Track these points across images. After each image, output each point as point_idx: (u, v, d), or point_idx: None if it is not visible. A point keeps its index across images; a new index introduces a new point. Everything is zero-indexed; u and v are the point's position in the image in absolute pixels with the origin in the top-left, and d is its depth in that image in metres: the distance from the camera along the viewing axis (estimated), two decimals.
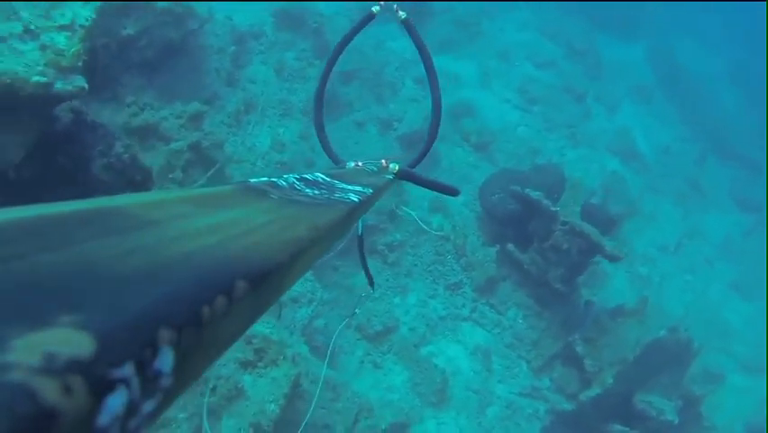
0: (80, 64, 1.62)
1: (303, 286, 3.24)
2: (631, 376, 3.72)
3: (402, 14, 1.55)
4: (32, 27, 1.59)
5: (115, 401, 0.24)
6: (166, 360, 0.28)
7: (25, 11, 1.59)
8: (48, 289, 0.27)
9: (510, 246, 4.00)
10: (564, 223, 3.59)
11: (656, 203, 6.21)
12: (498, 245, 4.12)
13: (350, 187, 0.83)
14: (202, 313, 0.32)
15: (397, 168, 1.28)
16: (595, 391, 3.59)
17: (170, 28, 3.07)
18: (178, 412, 2.17)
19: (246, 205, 0.54)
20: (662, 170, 6.63)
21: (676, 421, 3.73)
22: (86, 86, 1.68)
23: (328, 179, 0.82)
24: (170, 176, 2.95)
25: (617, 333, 3.83)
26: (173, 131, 3.01)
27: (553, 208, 3.59)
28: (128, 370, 0.25)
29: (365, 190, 0.84)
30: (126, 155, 2.12)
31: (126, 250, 0.34)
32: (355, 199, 0.76)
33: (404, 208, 4.08)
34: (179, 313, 0.30)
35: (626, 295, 4.87)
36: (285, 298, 3.18)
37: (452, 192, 1.46)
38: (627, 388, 3.75)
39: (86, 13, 1.70)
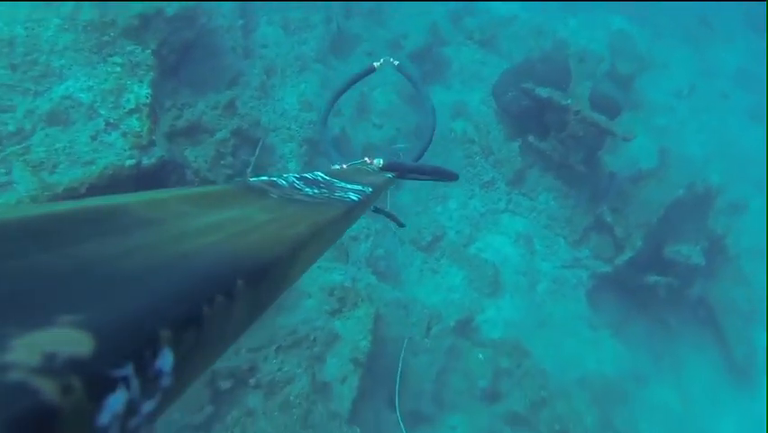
0: (153, 137, 2.02)
1: (359, 225, 3.77)
2: (658, 234, 4.24)
3: (396, 62, 1.73)
4: (111, 120, 1.97)
5: (115, 401, 0.25)
6: (166, 360, 0.29)
7: (102, 108, 1.97)
8: (48, 288, 0.28)
9: (531, 138, 4.39)
10: (576, 113, 3.95)
11: (667, 50, 6.35)
12: (519, 139, 4.52)
13: (350, 186, 0.87)
14: (202, 312, 0.32)
15: (381, 163, 1.28)
16: (627, 254, 4.13)
17: (185, 30, 3.37)
18: (295, 368, 2.81)
19: (246, 204, 0.55)
20: (668, 12, 6.67)
21: (703, 263, 4.29)
22: (165, 154, 2.10)
23: (328, 178, 0.86)
24: (222, 162, 3.40)
25: (640, 197, 4.29)
26: (214, 122, 3.39)
27: (564, 102, 3.93)
28: (128, 369, 0.26)
29: (365, 189, 0.88)
30: (197, 179, 2.58)
31: (126, 249, 0.34)
32: (355, 198, 0.79)
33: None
34: (179, 313, 0.31)
35: (647, 150, 5.26)
36: (346, 238, 3.71)
37: (452, 177, 1.52)
38: (656, 243, 4.29)
39: (144, 92, 2.06)
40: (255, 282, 0.40)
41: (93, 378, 0.24)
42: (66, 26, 2.07)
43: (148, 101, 2.05)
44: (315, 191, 0.74)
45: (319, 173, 0.86)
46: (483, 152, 4.56)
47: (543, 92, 3.93)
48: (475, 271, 4.24)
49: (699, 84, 6.19)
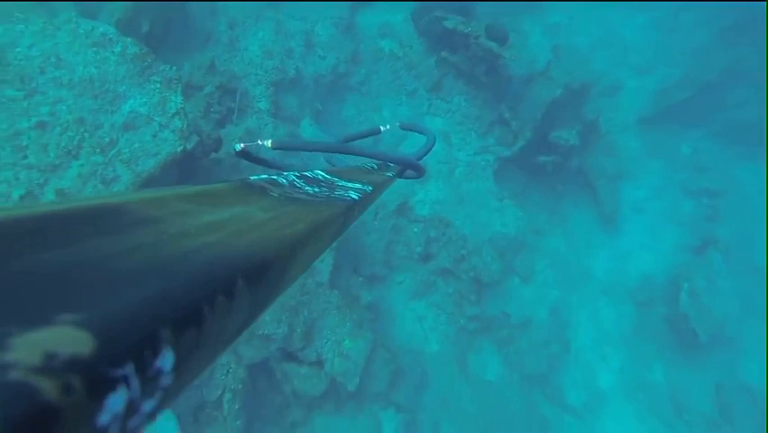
0: (192, 131, 3.24)
1: None
2: (544, 125, 5.70)
3: (398, 124, 1.81)
4: (162, 123, 3.15)
5: (116, 400, 0.26)
6: (166, 359, 0.30)
7: (155, 115, 3.14)
8: (47, 287, 0.28)
9: (444, 53, 5.65)
10: (476, 38, 5.22)
11: None
12: (435, 54, 5.76)
13: (350, 184, 0.89)
14: (202, 312, 0.34)
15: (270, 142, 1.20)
16: (521, 143, 5.61)
17: (169, 10, 4.41)
18: None
19: (246, 202, 0.57)
20: None
21: (578, 143, 5.81)
22: (199, 137, 3.34)
23: (328, 177, 0.88)
24: (212, 110, 4.60)
25: (530, 97, 5.70)
26: (200, 80, 4.55)
27: (466, 30, 5.17)
28: (128, 369, 0.27)
29: (365, 188, 0.90)
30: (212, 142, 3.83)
31: (126, 248, 0.36)
32: (355, 197, 0.81)
33: None
34: (180, 312, 0.32)
35: (543, 47, 6.53)
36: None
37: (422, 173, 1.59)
38: (543, 132, 5.76)
39: (179, 99, 3.21)
40: (255, 281, 0.41)
41: (93, 377, 0.24)
42: (120, 61, 3.16)
43: (182, 105, 3.21)
44: (316, 190, 0.75)
45: (319, 172, 0.89)
46: (407, 66, 5.81)
47: (449, 23, 5.15)
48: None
49: None
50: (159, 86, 3.22)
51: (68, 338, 0.25)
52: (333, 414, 4.26)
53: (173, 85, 3.26)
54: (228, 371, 3.86)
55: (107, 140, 3.03)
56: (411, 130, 1.83)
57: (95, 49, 3.16)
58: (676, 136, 6.70)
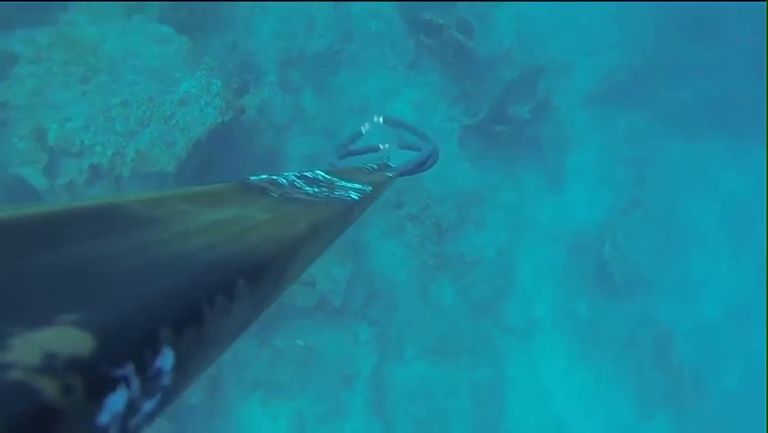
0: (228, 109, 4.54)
1: None
2: (502, 100, 7.03)
3: (380, 119, 1.93)
4: (207, 100, 4.43)
5: (116, 401, 0.26)
6: (166, 359, 0.30)
7: (202, 95, 4.41)
8: (47, 287, 0.29)
9: (422, 37, 6.93)
10: (448, 27, 6.51)
11: None
12: (414, 38, 7.03)
13: (350, 185, 0.92)
14: (202, 312, 0.34)
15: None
16: (482, 114, 6.96)
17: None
18: None
19: (246, 202, 0.59)
20: None
21: (530, 117, 7.16)
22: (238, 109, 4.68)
23: (328, 177, 0.92)
24: (233, 81, 5.86)
25: (492, 76, 7.02)
26: (224, 57, 5.80)
27: (440, 22, 6.45)
28: (128, 369, 0.27)
29: (365, 188, 0.94)
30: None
31: (126, 248, 0.37)
32: (355, 197, 0.84)
33: None
34: (180, 312, 0.32)
35: (507, 32, 7.75)
36: None
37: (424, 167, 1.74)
38: (501, 106, 7.09)
39: (219, 83, 4.48)
40: (255, 282, 0.42)
41: (93, 377, 0.25)
42: (177, 54, 4.39)
43: (221, 88, 4.47)
44: (316, 190, 0.79)
45: (319, 172, 0.91)
46: (390, 45, 7.07)
47: (426, 15, 6.42)
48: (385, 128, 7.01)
49: None
50: (204, 73, 4.49)
51: (67, 338, 0.25)
52: (321, 323, 5.71)
53: (214, 72, 4.54)
54: None
55: (168, 113, 4.32)
56: (396, 126, 1.94)
57: (159, 45, 4.43)
58: (616, 113, 8.09)
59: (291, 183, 0.77)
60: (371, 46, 6.98)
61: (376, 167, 1.39)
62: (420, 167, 1.73)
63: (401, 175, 1.54)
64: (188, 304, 0.34)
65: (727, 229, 8.53)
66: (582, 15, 8.28)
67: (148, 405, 0.29)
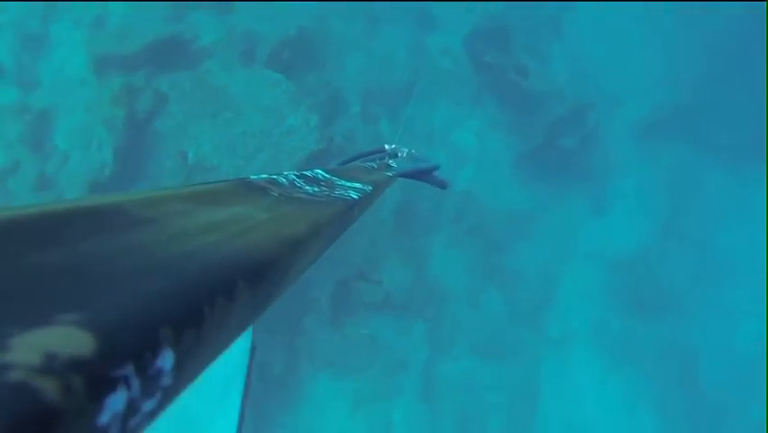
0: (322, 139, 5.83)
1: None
2: (554, 131, 8.13)
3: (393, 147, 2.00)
4: (307, 132, 5.74)
5: (116, 401, 0.27)
6: (166, 359, 0.31)
7: (303, 128, 5.71)
8: (48, 288, 0.29)
9: (484, 75, 8.10)
10: (506, 69, 7.67)
11: None
12: (478, 75, 8.21)
13: (350, 184, 0.95)
14: (202, 313, 0.35)
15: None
16: (534, 142, 8.09)
17: (300, 42, 6.98)
18: None
19: (246, 202, 0.60)
20: None
21: (578, 146, 8.22)
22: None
23: (328, 177, 0.95)
24: (323, 110, 7.19)
25: (546, 110, 8.13)
26: (318, 90, 7.12)
27: (500, 63, 7.62)
28: (128, 369, 0.28)
29: (365, 188, 0.96)
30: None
31: (126, 248, 0.37)
32: (355, 197, 0.86)
33: None
34: (180, 312, 0.33)
35: (561, 69, 8.83)
36: None
37: (443, 186, 1.85)
38: (552, 136, 8.19)
39: (314, 119, 5.76)
40: (255, 282, 0.43)
41: (94, 378, 0.25)
42: (284, 95, 5.72)
43: (317, 122, 5.75)
44: (316, 189, 0.80)
45: (319, 171, 0.93)
46: (457, 80, 8.26)
47: (488, 58, 7.60)
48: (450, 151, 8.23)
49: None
50: (304, 110, 5.81)
51: (68, 339, 0.26)
52: (384, 317, 6.97)
53: (312, 109, 5.85)
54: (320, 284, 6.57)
55: (277, 141, 5.66)
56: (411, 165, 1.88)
57: (272, 88, 5.78)
58: (660, 146, 9.07)
59: (291, 182, 0.78)
60: (441, 81, 8.20)
61: (376, 166, 1.41)
62: (420, 174, 1.75)
63: (401, 176, 1.55)
64: (188, 304, 0.35)
65: (763, 260, 9.37)
66: (632, 54, 9.30)
67: (148, 405, 0.30)
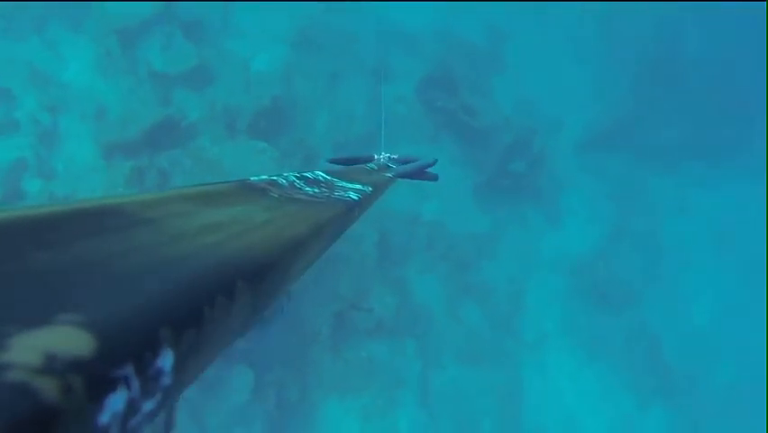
0: None
1: None
2: (505, 158, 9.40)
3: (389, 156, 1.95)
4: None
5: (116, 401, 0.27)
6: (166, 359, 0.32)
7: None
8: (48, 288, 0.30)
9: (437, 118, 9.36)
10: (456, 111, 8.95)
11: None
12: (432, 117, 9.48)
13: (350, 185, 0.97)
14: (202, 313, 0.36)
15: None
16: (488, 172, 9.35)
17: (273, 112, 8.19)
18: None
19: (246, 203, 0.62)
20: None
21: (527, 170, 9.50)
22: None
23: (328, 178, 0.98)
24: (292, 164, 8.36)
25: (496, 141, 9.41)
26: (293, 150, 8.31)
27: (450, 106, 8.90)
28: (128, 369, 0.28)
29: (365, 188, 0.98)
30: None
31: (126, 249, 0.38)
32: (355, 198, 0.89)
33: None
34: (180, 313, 0.34)
35: (505, 101, 10.15)
36: None
37: (435, 179, 1.94)
38: (504, 164, 9.45)
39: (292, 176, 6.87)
40: (255, 282, 0.44)
41: (93, 378, 0.26)
42: (269, 160, 6.89)
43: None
44: (316, 190, 0.83)
45: (319, 172, 0.97)
46: (413, 124, 9.51)
47: (440, 102, 8.88)
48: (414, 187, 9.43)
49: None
50: (288, 171, 6.94)
51: (68, 339, 0.26)
52: (379, 340, 8.06)
53: (294, 170, 7.01)
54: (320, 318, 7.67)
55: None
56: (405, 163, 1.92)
57: (258, 155, 6.93)
58: (602, 157, 10.43)
59: (291, 184, 0.82)
60: (399, 125, 9.44)
61: (376, 168, 1.44)
62: (419, 172, 1.79)
63: (400, 177, 1.57)
64: (189, 305, 0.35)
65: (708, 246, 10.74)
66: (566, 76, 10.69)
67: (148, 405, 0.31)
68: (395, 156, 2.04)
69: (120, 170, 6.76)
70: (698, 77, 10.96)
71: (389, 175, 1.51)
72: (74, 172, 7.01)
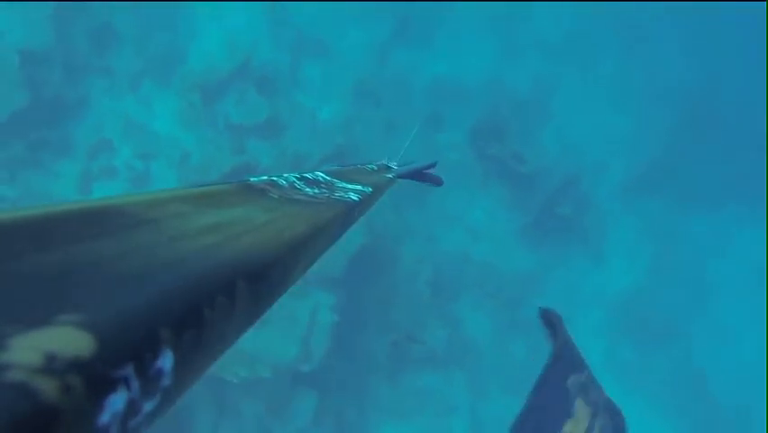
0: None
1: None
2: (551, 201, 10.09)
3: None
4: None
5: (116, 401, 0.27)
6: (166, 360, 0.32)
7: None
8: (48, 288, 0.30)
9: (488, 164, 10.14)
10: (505, 159, 9.71)
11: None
12: (482, 162, 10.26)
13: (350, 186, 0.98)
14: (202, 313, 0.36)
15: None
16: (533, 214, 10.04)
17: None
18: None
19: (246, 204, 0.62)
20: None
21: (573, 212, 10.16)
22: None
23: (328, 178, 0.98)
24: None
25: (543, 184, 10.13)
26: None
27: (500, 154, 9.68)
28: (128, 370, 0.28)
29: (365, 189, 0.98)
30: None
31: (126, 249, 0.38)
32: (355, 198, 0.89)
33: None
34: (180, 313, 0.34)
35: (552, 147, 10.88)
36: None
37: (439, 183, 1.94)
38: (551, 206, 10.14)
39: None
40: (255, 283, 0.44)
41: (93, 378, 0.26)
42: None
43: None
44: (316, 191, 0.83)
45: (320, 173, 0.98)
46: (464, 170, 10.28)
47: (490, 150, 9.66)
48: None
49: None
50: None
51: (68, 339, 0.26)
52: (431, 370, 8.75)
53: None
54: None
55: None
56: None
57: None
58: (644, 198, 11.03)
59: (291, 184, 0.82)
60: (451, 172, 10.22)
61: (376, 168, 1.48)
62: (420, 174, 1.80)
63: (401, 177, 1.61)
64: (189, 305, 0.36)
65: (752, 284, 11.17)
66: (608, 123, 11.37)
67: (148, 405, 0.31)
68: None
69: None
70: (735, 119, 11.54)
71: (390, 176, 1.51)
72: None
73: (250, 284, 0.44)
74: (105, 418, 0.27)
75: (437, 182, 2.02)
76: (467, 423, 8.75)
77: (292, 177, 0.88)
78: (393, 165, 1.76)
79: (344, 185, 0.99)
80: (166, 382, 0.32)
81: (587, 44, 11.39)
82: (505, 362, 9.32)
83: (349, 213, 0.83)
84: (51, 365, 0.25)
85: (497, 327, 9.39)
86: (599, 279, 10.44)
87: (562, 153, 10.58)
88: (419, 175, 1.88)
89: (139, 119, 8.60)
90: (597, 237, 10.54)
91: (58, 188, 7.98)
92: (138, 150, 8.40)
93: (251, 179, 0.76)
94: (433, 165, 1.98)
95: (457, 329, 8.99)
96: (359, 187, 1.01)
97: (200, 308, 0.36)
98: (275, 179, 0.82)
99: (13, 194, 7.76)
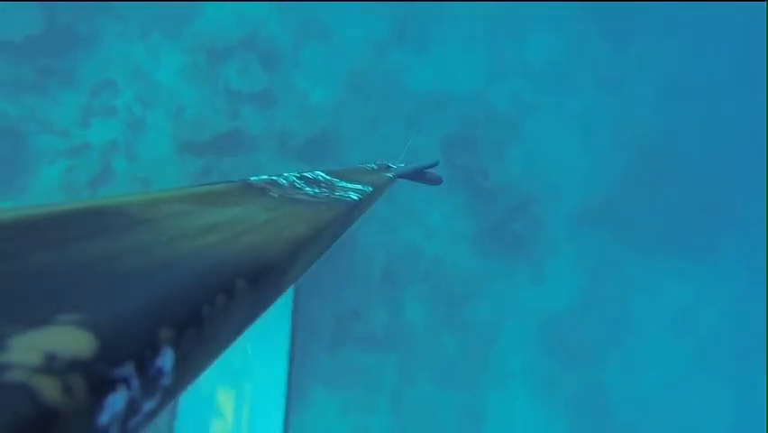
0: None
1: None
2: (506, 218, 11.04)
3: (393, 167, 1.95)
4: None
5: (116, 401, 0.28)
6: (166, 359, 0.32)
7: None
8: (48, 288, 0.30)
9: (455, 171, 11.03)
10: (471, 171, 10.60)
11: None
12: (447, 170, 11.13)
13: (350, 185, 0.99)
14: (202, 312, 0.36)
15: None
16: (487, 225, 10.98)
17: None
18: None
19: (246, 203, 0.63)
20: None
21: (522, 230, 11.12)
22: None
23: (328, 178, 1.00)
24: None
25: (502, 200, 11.06)
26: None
27: (467, 166, 10.56)
28: (129, 369, 0.28)
29: (365, 189, 1.00)
30: None
31: (126, 249, 0.39)
32: (355, 198, 0.89)
33: None
34: (180, 312, 0.34)
35: (515, 165, 11.85)
36: None
37: (439, 182, 1.96)
38: (504, 221, 11.08)
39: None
40: (255, 282, 0.44)
41: (94, 378, 0.26)
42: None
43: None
44: (316, 191, 0.84)
45: (320, 172, 0.99)
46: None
47: (457, 160, 10.52)
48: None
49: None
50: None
51: (68, 339, 0.27)
52: (369, 349, 9.61)
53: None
54: None
55: None
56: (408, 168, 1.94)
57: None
58: (588, 230, 12.07)
59: (291, 184, 0.84)
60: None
61: (376, 167, 1.50)
62: (420, 173, 1.85)
63: (401, 176, 1.64)
64: (189, 304, 0.36)
65: (670, 328, 12.32)
66: (572, 154, 12.36)
67: (148, 405, 0.31)
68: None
69: (189, 165, 8.39)
70: (692, 175, 12.65)
71: (390, 175, 1.52)
72: (152, 160, 8.65)
73: (249, 283, 0.45)
74: (105, 417, 0.27)
75: (437, 181, 2.06)
76: (389, 403, 9.65)
77: (292, 176, 0.90)
78: (392, 165, 1.79)
79: (344, 184, 1.01)
80: (166, 381, 0.33)
81: (568, 76, 12.32)
82: (436, 353, 10.24)
83: (349, 212, 0.84)
84: (51, 365, 0.25)
85: (434, 319, 10.28)
86: (535, 295, 11.41)
87: (524, 175, 11.50)
88: (419, 174, 1.91)
89: (145, 66, 9.20)
90: (540, 258, 11.52)
91: (58, 115, 8.56)
92: (139, 95, 9.01)
93: (252, 178, 0.78)
94: (434, 165, 2.01)
95: (398, 316, 9.84)
96: (359, 186, 1.03)
97: (200, 308, 0.37)
98: (275, 178, 0.84)
99: (16, 113, 8.33)
